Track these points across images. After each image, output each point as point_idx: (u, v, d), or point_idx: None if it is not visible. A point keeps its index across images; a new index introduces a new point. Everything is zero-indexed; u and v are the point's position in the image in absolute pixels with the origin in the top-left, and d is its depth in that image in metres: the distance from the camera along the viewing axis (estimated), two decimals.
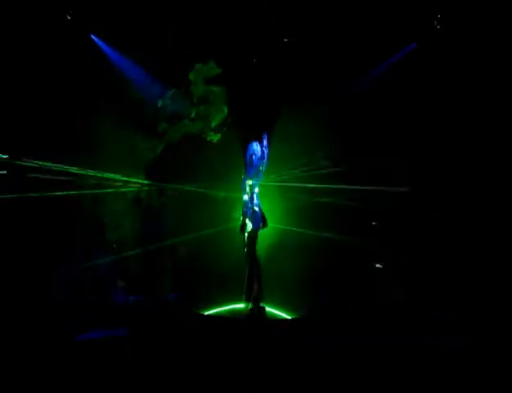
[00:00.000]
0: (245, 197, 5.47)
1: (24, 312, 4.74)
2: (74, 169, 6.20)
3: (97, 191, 6.41)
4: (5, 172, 5.79)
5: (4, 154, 5.78)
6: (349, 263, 6.31)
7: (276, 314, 5.56)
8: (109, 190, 6.48)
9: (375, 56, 6.55)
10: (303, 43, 6.53)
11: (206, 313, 5.54)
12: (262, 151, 5.55)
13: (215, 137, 7.02)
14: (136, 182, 6.71)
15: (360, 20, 6.16)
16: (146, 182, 6.74)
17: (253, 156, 5.47)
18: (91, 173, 6.30)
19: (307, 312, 5.51)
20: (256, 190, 5.48)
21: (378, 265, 6.17)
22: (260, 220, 5.45)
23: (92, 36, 6.47)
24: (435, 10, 6.11)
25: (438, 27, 6.17)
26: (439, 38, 6.19)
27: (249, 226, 5.37)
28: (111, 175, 6.49)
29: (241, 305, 5.58)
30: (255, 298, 5.40)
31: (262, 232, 5.60)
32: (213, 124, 7.09)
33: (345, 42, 6.39)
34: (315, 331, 4.65)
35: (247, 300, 5.45)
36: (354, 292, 5.84)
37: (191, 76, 6.92)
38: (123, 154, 6.47)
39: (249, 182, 5.45)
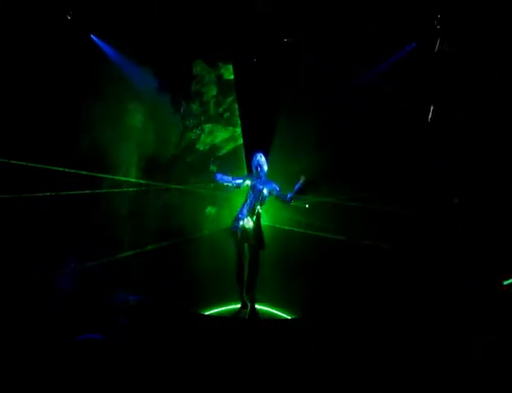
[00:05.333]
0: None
1: (24, 312, 4.73)
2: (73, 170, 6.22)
3: (97, 191, 6.42)
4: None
5: (4, 154, 5.78)
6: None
7: (275, 314, 5.55)
8: (107, 190, 6.49)
9: (374, 56, 6.55)
10: (301, 44, 6.54)
11: (206, 313, 5.53)
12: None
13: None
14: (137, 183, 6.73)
15: (360, 20, 6.16)
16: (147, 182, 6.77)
17: (259, 167, 5.45)
18: (85, 173, 6.31)
19: (307, 312, 5.50)
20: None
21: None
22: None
23: (92, 36, 6.48)
24: (435, 10, 6.11)
25: (438, 27, 6.17)
26: (439, 38, 6.20)
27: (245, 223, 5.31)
28: (110, 176, 6.51)
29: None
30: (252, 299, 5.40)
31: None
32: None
33: (345, 42, 6.40)
34: (315, 331, 4.64)
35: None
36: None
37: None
38: (123, 153, 6.48)
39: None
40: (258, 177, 5.41)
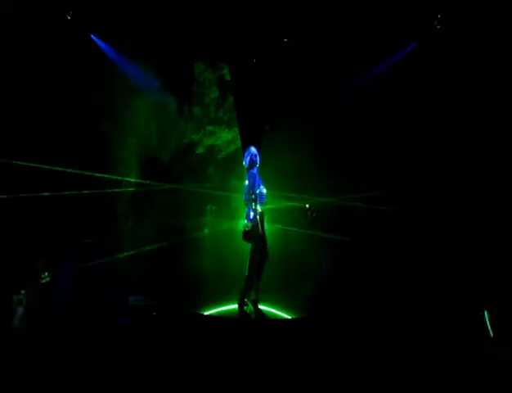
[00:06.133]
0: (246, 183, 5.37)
1: (25, 312, 4.73)
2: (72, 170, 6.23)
3: (96, 191, 6.42)
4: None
5: (4, 154, 5.78)
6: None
7: (275, 314, 5.55)
8: (108, 190, 6.49)
9: (374, 57, 6.56)
10: (302, 44, 6.54)
11: (206, 313, 5.53)
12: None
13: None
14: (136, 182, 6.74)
15: (360, 20, 6.16)
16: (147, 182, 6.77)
17: (255, 157, 5.44)
18: (85, 173, 6.31)
19: (307, 312, 5.50)
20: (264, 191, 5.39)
21: None
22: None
23: (92, 36, 6.48)
24: (435, 10, 6.11)
25: (438, 27, 6.18)
26: (439, 38, 6.20)
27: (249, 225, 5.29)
28: (110, 176, 6.52)
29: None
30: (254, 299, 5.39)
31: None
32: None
33: (345, 42, 6.39)
34: (315, 331, 4.64)
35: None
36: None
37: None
38: (122, 153, 6.49)
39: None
40: (257, 170, 5.39)
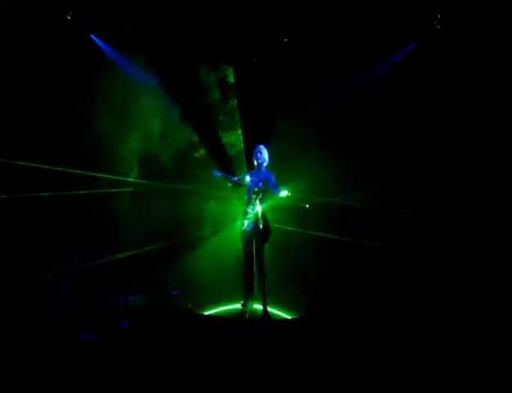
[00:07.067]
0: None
1: (25, 312, 4.73)
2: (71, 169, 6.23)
3: (96, 191, 6.42)
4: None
5: (4, 154, 5.78)
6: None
7: (276, 314, 5.55)
8: (107, 190, 6.49)
9: (374, 57, 6.56)
10: (302, 44, 6.55)
11: (206, 313, 5.53)
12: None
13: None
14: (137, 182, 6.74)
15: (359, 20, 6.16)
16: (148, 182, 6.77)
17: (259, 158, 5.49)
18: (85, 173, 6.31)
19: (308, 312, 5.51)
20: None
21: None
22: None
23: (92, 36, 6.48)
24: (435, 10, 6.11)
25: (438, 27, 6.18)
26: (439, 38, 6.20)
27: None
28: (110, 176, 6.52)
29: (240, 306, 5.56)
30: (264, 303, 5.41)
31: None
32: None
33: (344, 42, 6.39)
34: (317, 331, 4.64)
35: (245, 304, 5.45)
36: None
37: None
38: (121, 154, 6.48)
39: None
40: (258, 170, 5.44)
